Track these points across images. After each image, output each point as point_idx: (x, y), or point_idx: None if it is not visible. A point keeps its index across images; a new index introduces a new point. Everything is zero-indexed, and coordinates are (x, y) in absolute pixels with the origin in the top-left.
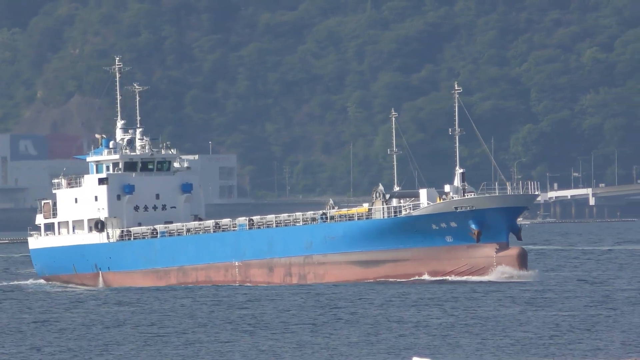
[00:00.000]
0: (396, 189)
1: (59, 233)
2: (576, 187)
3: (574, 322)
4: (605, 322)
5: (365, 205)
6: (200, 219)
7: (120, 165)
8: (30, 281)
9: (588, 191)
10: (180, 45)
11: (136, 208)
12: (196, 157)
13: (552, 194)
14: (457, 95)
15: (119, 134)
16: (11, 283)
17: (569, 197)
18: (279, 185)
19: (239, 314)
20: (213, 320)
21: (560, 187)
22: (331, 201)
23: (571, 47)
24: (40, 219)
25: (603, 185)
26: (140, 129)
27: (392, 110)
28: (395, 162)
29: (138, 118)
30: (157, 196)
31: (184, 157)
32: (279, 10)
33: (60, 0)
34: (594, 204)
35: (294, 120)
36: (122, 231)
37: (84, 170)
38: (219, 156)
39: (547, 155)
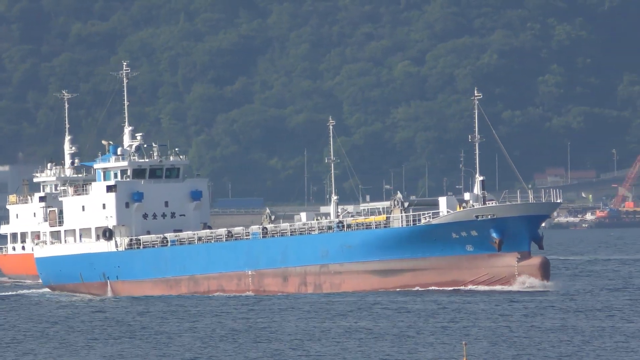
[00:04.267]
0: (334, 198)
1: (66, 241)
2: (388, 199)
3: None
4: None
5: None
6: (209, 227)
7: (129, 173)
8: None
9: None
10: None
11: (145, 216)
12: (7, 167)
13: (365, 206)
14: (476, 102)
15: (126, 141)
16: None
17: (381, 209)
18: None
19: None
20: None
21: (373, 200)
22: (268, 210)
23: (383, 61)
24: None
25: (414, 197)
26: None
27: (330, 119)
28: (332, 171)
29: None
30: (166, 204)
31: None
32: (90, 21)
33: None
34: None
35: (106, 132)
36: (131, 239)
37: None
38: (30, 167)
39: (359, 167)
